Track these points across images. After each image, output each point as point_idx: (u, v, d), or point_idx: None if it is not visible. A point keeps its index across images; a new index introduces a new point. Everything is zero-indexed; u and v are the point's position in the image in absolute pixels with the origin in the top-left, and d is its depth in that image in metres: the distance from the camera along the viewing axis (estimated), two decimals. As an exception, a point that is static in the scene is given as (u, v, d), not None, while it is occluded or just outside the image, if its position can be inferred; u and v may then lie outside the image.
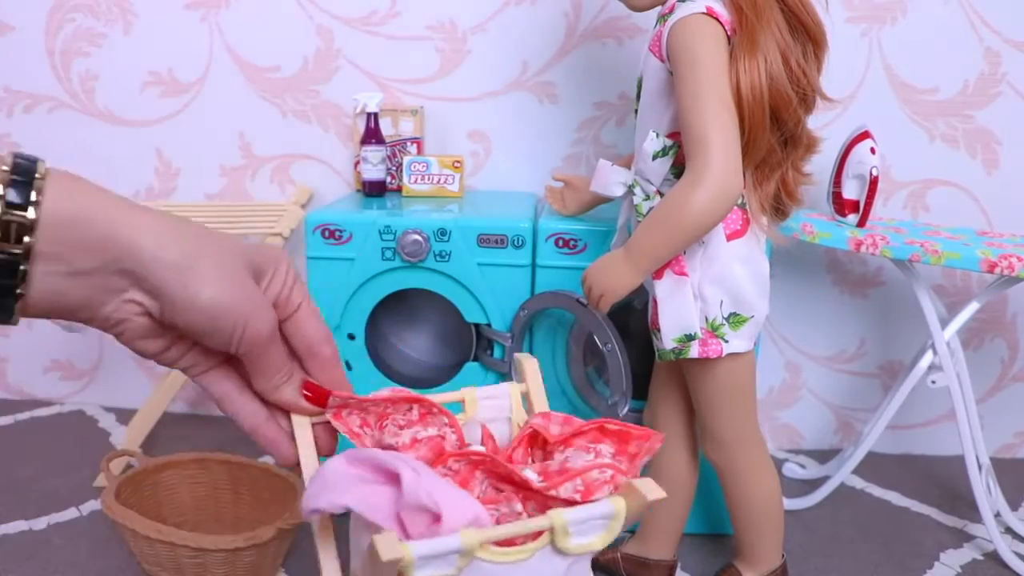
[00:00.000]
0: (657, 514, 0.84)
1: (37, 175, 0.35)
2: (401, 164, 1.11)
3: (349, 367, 0.96)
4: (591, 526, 0.47)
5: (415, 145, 1.13)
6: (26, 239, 0.34)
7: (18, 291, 0.34)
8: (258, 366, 0.42)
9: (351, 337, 0.95)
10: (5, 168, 0.35)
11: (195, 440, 1.21)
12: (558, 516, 0.46)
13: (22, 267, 0.33)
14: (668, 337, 0.73)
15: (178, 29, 1.16)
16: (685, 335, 0.72)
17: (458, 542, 0.44)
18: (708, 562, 0.92)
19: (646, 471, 0.83)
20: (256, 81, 1.17)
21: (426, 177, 1.07)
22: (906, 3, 1.08)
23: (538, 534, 0.48)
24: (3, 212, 0.34)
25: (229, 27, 1.16)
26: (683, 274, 0.72)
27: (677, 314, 0.72)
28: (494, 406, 0.62)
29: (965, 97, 1.11)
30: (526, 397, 0.64)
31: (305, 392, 0.45)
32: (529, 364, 0.66)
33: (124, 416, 1.27)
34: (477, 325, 0.94)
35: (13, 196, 0.34)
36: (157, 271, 0.36)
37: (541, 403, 0.62)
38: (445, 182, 1.08)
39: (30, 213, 0.34)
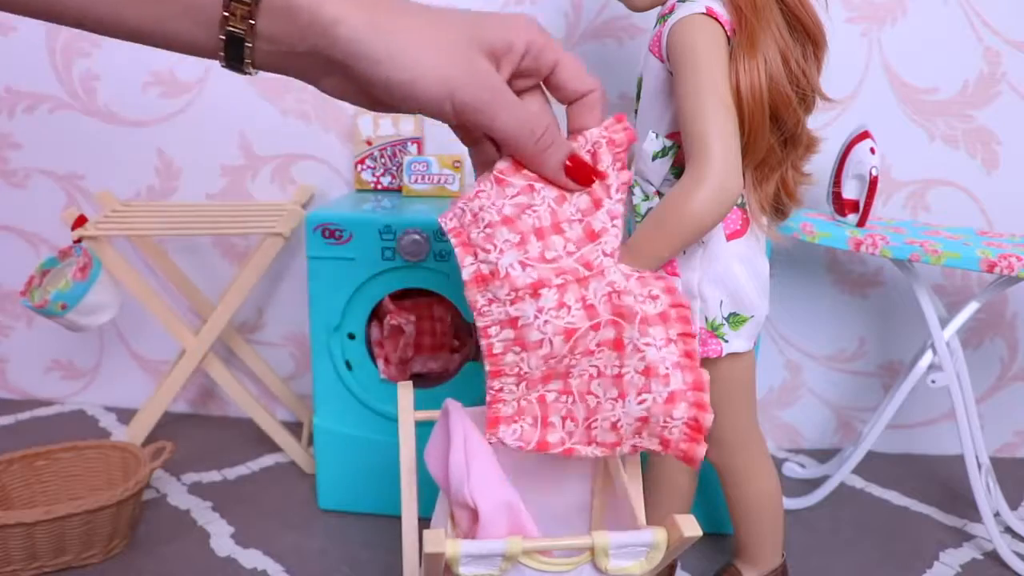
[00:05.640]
0: (657, 514, 0.84)
1: None
2: (401, 164, 1.11)
3: (349, 367, 0.96)
4: (632, 552, 0.48)
5: (415, 145, 1.13)
6: (250, 21, 0.39)
7: (247, 60, 0.40)
8: (499, 138, 0.44)
9: (351, 337, 0.95)
10: None
11: (195, 439, 1.21)
12: (601, 538, 0.47)
13: (247, 44, 0.40)
14: None
15: (179, 29, 1.16)
16: None
17: (502, 547, 0.45)
18: (708, 562, 0.92)
19: (646, 471, 0.83)
20: (256, 81, 1.17)
21: (426, 177, 1.08)
22: (906, 3, 1.08)
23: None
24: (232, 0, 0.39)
25: (229, 27, 1.16)
26: (675, 275, 0.72)
27: None
28: None
29: (965, 97, 1.11)
30: None
31: (567, 163, 0.46)
32: None
33: (125, 416, 1.27)
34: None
35: None
36: (356, 64, 0.39)
37: None
38: (445, 182, 1.08)
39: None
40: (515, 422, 0.52)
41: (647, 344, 0.48)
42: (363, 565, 0.90)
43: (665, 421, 0.48)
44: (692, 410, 0.48)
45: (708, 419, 0.48)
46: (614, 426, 0.50)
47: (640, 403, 0.49)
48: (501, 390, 0.51)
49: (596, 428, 0.51)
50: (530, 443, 0.52)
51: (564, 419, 0.52)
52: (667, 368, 0.48)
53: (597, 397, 0.51)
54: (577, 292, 0.47)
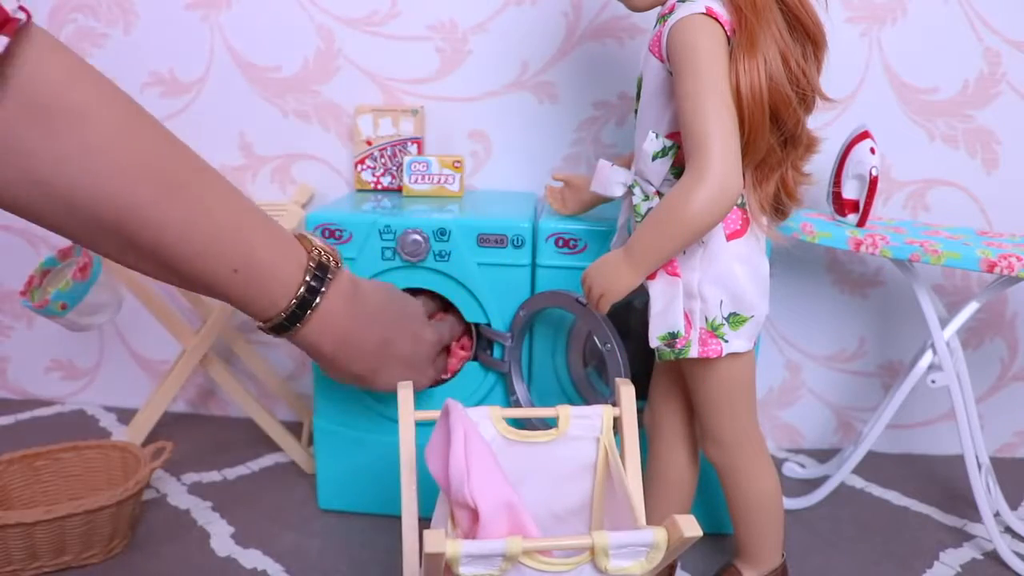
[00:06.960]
0: (656, 514, 0.85)
1: (329, 276, 0.72)
2: (401, 164, 1.11)
3: (349, 367, 0.96)
4: (631, 552, 0.48)
5: (415, 145, 1.13)
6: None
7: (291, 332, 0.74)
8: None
9: (351, 337, 0.95)
10: (311, 262, 0.71)
11: (195, 439, 1.21)
12: (601, 538, 0.47)
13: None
14: (653, 335, 0.73)
15: (179, 29, 1.16)
16: (669, 333, 0.73)
17: (502, 547, 0.45)
18: (708, 562, 0.92)
19: (646, 470, 0.83)
20: (257, 81, 1.17)
21: (426, 177, 1.08)
22: (906, 3, 1.08)
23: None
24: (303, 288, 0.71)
25: (230, 27, 1.16)
26: (675, 275, 0.72)
27: (664, 313, 0.73)
28: (585, 425, 0.65)
29: (965, 97, 1.11)
30: (618, 421, 0.66)
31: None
32: (626, 391, 0.68)
33: (125, 416, 1.27)
34: (477, 325, 0.94)
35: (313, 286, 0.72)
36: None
37: (632, 429, 0.65)
38: (445, 182, 1.08)
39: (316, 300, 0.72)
40: None
41: None
42: (363, 565, 0.90)
43: None
44: None
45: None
46: None
47: None
48: None
49: None
50: None
51: None
52: None
53: None
54: None
